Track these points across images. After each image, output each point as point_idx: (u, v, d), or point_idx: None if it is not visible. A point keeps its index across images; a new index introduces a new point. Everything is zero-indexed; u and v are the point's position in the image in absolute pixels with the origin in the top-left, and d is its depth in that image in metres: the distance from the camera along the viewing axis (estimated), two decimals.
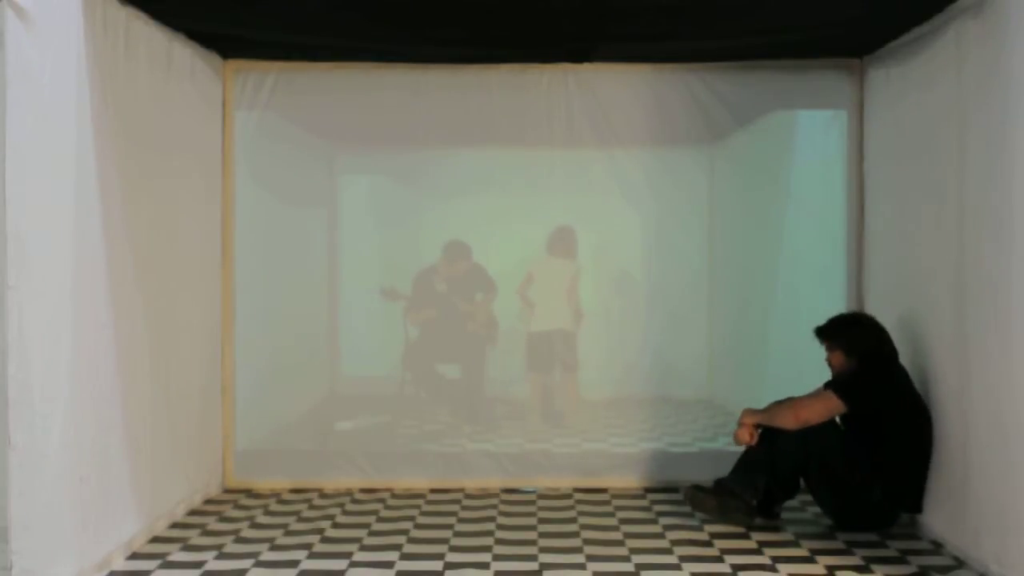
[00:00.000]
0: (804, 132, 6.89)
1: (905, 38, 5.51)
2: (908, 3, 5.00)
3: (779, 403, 5.44)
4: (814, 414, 5.26)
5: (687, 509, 5.63)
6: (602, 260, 7.07)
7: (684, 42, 5.88)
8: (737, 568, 4.68)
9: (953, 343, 4.83)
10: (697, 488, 5.44)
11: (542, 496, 6.17)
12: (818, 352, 5.54)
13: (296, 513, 5.74)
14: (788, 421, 5.29)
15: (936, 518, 5.10)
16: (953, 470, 4.88)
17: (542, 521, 5.57)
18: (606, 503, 5.99)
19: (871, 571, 4.64)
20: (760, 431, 5.39)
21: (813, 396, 5.35)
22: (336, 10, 5.16)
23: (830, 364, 5.49)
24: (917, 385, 5.27)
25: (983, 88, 4.54)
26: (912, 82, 5.46)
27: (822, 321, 5.55)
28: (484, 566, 4.70)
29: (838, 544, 5.08)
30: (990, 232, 4.43)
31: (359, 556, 4.87)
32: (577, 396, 6.96)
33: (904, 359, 5.37)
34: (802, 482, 5.44)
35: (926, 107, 5.24)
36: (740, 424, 5.43)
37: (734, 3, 5.06)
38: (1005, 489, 4.29)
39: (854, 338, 5.42)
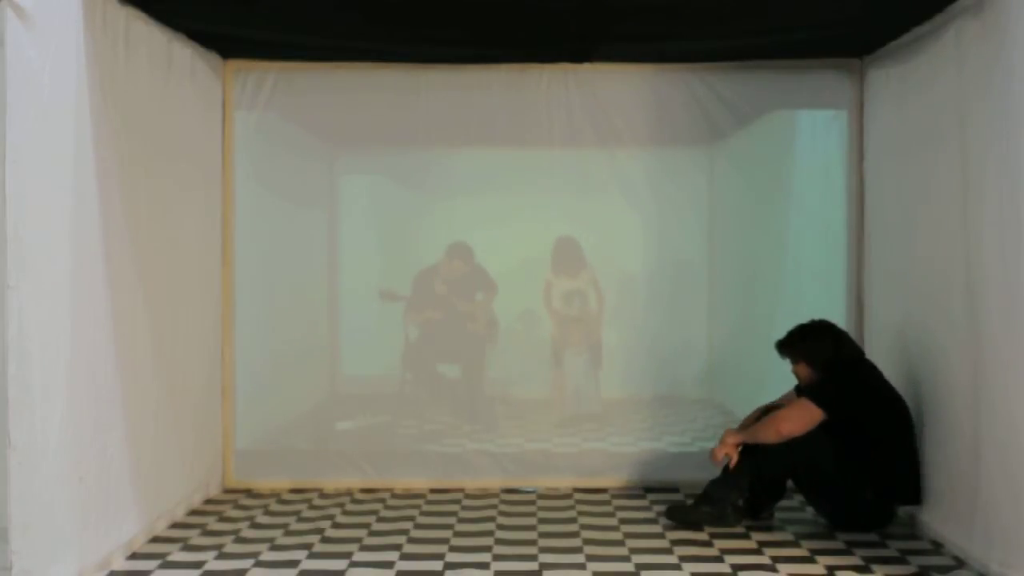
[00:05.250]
0: (804, 132, 6.88)
1: (905, 38, 5.51)
2: (908, 3, 5.00)
3: (759, 417, 5.46)
4: (796, 426, 5.23)
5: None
6: (602, 260, 7.06)
7: (684, 42, 5.88)
8: (737, 568, 4.68)
9: (963, 343, 4.78)
10: (675, 508, 5.43)
11: (542, 496, 6.17)
12: None
13: (296, 513, 5.74)
14: (771, 437, 5.26)
15: (937, 518, 5.09)
16: (959, 469, 4.84)
17: (542, 521, 5.57)
18: (606, 503, 5.99)
19: (871, 571, 4.64)
20: (741, 448, 5.37)
21: (791, 408, 5.31)
22: (336, 10, 5.16)
23: (797, 376, 5.50)
24: (904, 383, 5.28)
25: (983, 88, 4.54)
26: (912, 82, 5.45)
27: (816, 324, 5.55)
28: (484, 566, 4.70)
29: (838, 544, 5.08)
30: (994, 231, 4.41)
31: (359, 556, 4.87)
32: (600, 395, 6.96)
33: (905, 359, 5.37)
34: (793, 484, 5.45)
35: (926, 107, 5.24)
36: (722, 443, 5.39)
37: (734, 3, 5.06)
38: (1014, 489, 4.25)
39: (811, 349, 5.41)
